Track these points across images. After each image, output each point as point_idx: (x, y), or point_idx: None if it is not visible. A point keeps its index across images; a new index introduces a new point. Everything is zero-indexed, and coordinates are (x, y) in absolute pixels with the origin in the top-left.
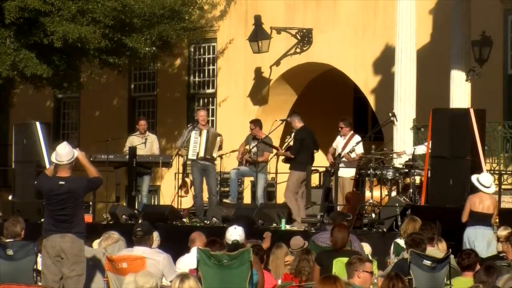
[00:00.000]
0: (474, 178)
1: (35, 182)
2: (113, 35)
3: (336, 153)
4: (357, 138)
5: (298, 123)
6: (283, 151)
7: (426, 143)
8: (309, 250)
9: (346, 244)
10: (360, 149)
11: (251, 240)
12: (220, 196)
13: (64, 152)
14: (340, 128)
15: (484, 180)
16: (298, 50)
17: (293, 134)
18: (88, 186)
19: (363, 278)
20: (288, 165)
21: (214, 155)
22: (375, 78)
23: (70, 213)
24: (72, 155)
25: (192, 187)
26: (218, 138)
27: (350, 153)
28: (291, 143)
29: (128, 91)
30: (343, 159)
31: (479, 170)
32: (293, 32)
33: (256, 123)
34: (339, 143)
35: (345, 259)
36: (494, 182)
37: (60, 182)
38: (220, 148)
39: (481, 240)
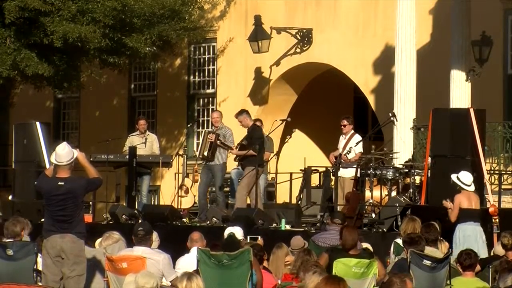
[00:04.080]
0: (454, 176)
1: (35, 183)
2: (113, 34)
3: (338, 153)
4: (358, 137)
5: (249, 121)
6: (237, 150)
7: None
8: (310, 251)
9: (355, 245)
10: (359, 148)
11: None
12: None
13: (64, 152)
14: (343, 126)
15: (465, 178)
16: (298, 50)
17: (293, 133)
18: (88, 186)
19: None
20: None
21: (205, 153)
22: (375, 78)
23: (69, 213)
24: (72, 155)
25: (192, 187)
26: (208, 136)
27: (346, 155)
28: (243, 142)
29: (128, 91)
30: (342, 160)
31: (479, 170)
32: (293, 32)
33: (260, 122)
34: (340, 142)
35: (346, 260)
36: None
37: (60, 183)
38: (218, 144)
39: (475, 237)
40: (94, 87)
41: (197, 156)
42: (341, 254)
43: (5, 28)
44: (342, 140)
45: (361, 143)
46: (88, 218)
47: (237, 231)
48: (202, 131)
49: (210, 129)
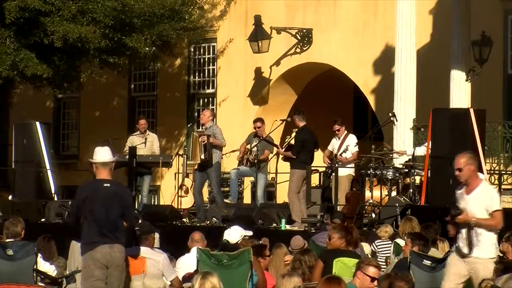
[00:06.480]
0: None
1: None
2: (113, 35)
3: (333, 154)
4: (352, 137)
5: (299, 122)
6: (283, 150)
7: (426, 144)
8: (306, 250)
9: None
10: (355, 148)
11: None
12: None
13: (104, 151)
14: (337, 131)
15: None
16: (298, 50)
17: (293, 133)
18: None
19: (361, 280)
20: (287, 163)
21: (202, 157)
22: (375, 78)
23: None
24: (113, 156)
25: (192, 187)
26: (200, 139)
27: (342, 154)
28: (292, 142)
29: (128, 91)
30: (338, 161)
31: (478, 170)
32: (293, 32)
33: (263, 122)
34: (334, 144)
35: (346, 259)
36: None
37: (105, 184)
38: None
39: None
40: (94, 87)
41: (194, 161)
42: (334, 254)
43: (5, 28)
44: (336, 142)
45: (355, 142)
46: None
47: (235, 232)
48: (195, 134)
49: (199, 130)
